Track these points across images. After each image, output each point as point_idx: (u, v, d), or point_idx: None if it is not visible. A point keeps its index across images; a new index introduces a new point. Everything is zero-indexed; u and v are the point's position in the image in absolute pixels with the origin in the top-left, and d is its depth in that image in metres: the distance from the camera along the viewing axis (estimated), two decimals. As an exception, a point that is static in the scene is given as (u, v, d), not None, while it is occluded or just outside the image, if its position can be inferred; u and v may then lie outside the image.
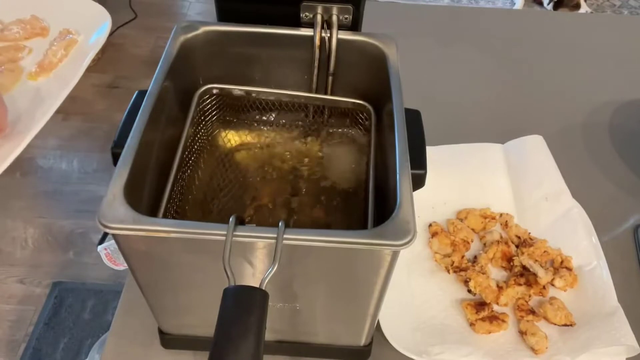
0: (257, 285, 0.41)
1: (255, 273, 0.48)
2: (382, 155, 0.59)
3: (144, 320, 0.63)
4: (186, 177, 0.61)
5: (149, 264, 0.49)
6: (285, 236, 0.42)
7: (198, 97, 0.64)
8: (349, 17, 0.62)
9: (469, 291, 0.67)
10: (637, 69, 1.06)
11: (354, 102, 0.65)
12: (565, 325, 0.64)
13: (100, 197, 0.44)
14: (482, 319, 0.64)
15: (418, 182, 0.52)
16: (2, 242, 1.61)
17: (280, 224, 0.43)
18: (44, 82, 0.60)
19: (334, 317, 0.56)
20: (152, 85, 0.55)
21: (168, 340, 0.61)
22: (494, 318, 0.65)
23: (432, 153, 0.61)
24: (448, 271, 0.70)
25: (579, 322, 0.64)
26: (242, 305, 0.40)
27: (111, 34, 2.27)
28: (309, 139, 0.67)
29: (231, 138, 0.68)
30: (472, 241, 0.74)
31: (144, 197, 0.52)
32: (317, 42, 0.62)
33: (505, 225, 0.75)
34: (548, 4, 2.63)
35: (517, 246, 0.73)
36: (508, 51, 1.08)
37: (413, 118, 0.57)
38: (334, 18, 0.62)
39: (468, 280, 0.67)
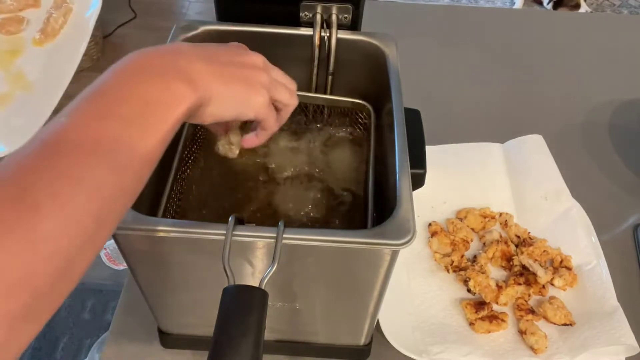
0: (256, 284, 0.41)
1: (255, 273, 0.48)
2: (381, 154, 0.59)
3: (143, 320, 0.63)
4: (186, 177, 0.61)
5: (149, 264, 0.49)
6: (284, 236, 0.42)
7: (198, 96, 0.64)
8: (349, 16, 0.62)
9: (469, 291, 0.67)
10: (637, 69, 1.06)
11: (353, 102, 0.65)
12: (565, 324, 0.64)
13: (100, 196, 0.44)
14: (482, 319, 0.64)
15: (418, 181, 0.52)
16: (2, 241, 1.61)
17: (279, 223, 0.43)
18: (51, 46, 0.62)
19: (334, 317, 0.56)
20: (152, 84, 0.54)
21: (168, 339, 0.61)
22: (493, 317, 0.65)
23: (432, 152, 0.61)
24: (448, 271, 0.70)
25: (579, 321, 0.64)
26: (242, 305, 0.40)
27: (111, 33, 2.27)
28: (309, 138, 0.67)
29: (231, 137, 0.68)
30: (471, 241, 0.74)
31: (144, 196, 0.52)
32: (316, 41, 0.62)
33: (505, 224, 0.75)
34: (548, 3, 2.63)
35: (516, 245, 0.73)
36: (508, 51, 1.08)
37: (413, 117, 0.57)
38: (334, 17, 0.62)
39: (468, 279, 0.67)
